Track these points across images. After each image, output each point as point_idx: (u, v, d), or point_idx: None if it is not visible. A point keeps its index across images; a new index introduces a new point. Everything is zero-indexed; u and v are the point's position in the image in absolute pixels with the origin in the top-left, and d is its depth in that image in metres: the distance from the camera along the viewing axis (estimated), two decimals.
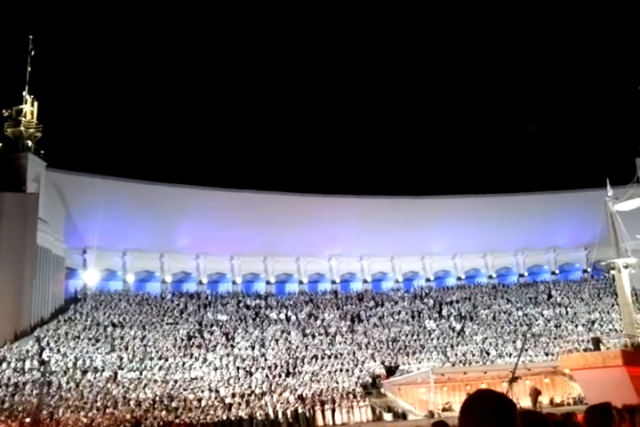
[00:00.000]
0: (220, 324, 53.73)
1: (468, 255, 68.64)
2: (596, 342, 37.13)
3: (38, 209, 50.42)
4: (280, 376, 45.31)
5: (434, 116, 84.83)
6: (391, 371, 47.41)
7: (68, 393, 39.19)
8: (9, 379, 40.21)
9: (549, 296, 62.42)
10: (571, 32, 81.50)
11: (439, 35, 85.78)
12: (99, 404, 38.13)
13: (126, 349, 46.83)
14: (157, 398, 39.90)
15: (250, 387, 43.08)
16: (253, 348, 49.84)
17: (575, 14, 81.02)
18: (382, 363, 48.66)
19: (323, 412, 40.52)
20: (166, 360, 46.20)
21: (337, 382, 44.48)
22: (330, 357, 49.15)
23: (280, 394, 41.92)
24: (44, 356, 43.78)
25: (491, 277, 68.82)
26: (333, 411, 40.69)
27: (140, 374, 43.75)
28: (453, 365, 48.12)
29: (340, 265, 66.76)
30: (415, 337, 53.54)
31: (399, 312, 58.67)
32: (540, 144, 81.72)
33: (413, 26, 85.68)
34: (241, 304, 58.21)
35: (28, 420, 34.41)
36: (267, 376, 45.11)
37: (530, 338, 48.38)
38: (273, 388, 43.08)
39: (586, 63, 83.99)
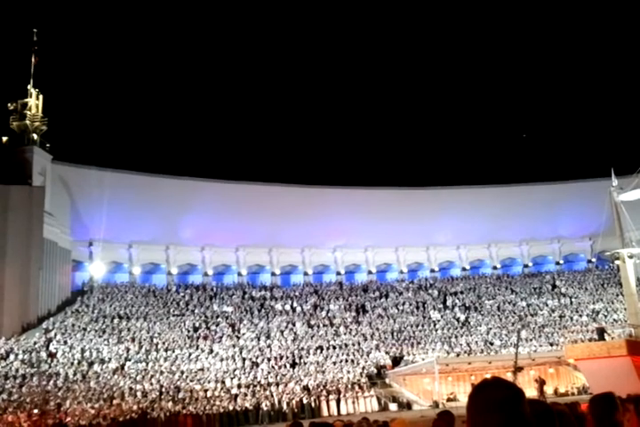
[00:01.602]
0: (226, 315, 53.95)
1: (473, 246, 68.63)
2: (601, 332, 37.14)
3: (44, 202, 50.60)
4: (285, 367, 45.54)
5: (437, 107, 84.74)
6: (396, 361, 47.60)
7: (75, 385, 39.44)
8: (17, 371, 40.48)
9: (554, 286, 62.43)
10: (573, 22, 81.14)
11: (443, 27, 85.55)
12: (105, 395, 38.35)
13: (133, 340, 47.08)
14: (164, 389, 40.12)
15: (255, 378, 43.31)
16: (259, 339, 50.05)
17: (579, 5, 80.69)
18: (387, 353, 48.87)
19: (328, 402, 40.73)
20: (172, 351, 46.43)
21: (342, 373, 44.69)
22: (335, 347, 49.33)
23: (285, 385, 42.14)
24: (52, 348, 44.07)
25: (495, 267, 68.84)
26: (339, 401, 40.90)
27: (147, 365, 44.00)
28: (458, 355, 48.28)
29: (345, 256, 66.83)
30: (420, 328, 53.69)
31: (404, 303, 58.78)
32: (544, 134, 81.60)
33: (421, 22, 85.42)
34: (246, 296, 58.41)
35: (36, 411, 34.65)
36: (272, 367, 45.33)
37: (522, 329, 48.39)
38: (278, 378, 43.31)
39: (592, 54, 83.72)
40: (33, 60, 53.87)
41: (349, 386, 42.26)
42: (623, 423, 5.13)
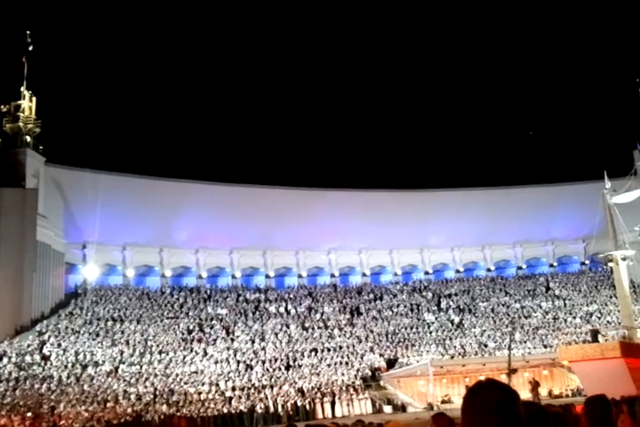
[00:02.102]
0: (220, 318, 53.86)
1: (467, 248, 68.70)
2: (595, 334, 37.25)
3: (38, 204, 50.45)
4: (280, 369, 45.48)
5: (432, 109, 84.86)
6: (390, 364, 47.59)
7: (68, 388, 39.32)
8: (10, 374, 40.33)
9: (548, 288, 62.54)
10: (570, 25, 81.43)
11: (443, 27, 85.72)
12: (99, 398, 38.26)
13: (127, 343, 46.95)
14: (158, 392, 40.05)
15: (250, 380, 43.25)
16: (253, 341, 49.99)
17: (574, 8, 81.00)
18: (381, 356, 48.84)
19: (322, 404, 40.70)
20: (166, 354, 46.33)
21: (337, 375, 44.65)
22: (329, 350, 49.30)
23: (280, 387, 42.09)
24: (45, 351, 43.92)
25: (489, 269, 68.90)
26: (333, 404, 40.88)
27: (141, 368, 43.89)
28: (452, 357, 48.29)
29: (339, 258, 66.81)
30: (414, 330, 53.70)
31: (398, 305, 58.79)
32: (538, 137, 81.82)
33: (422, 25, 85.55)
34: (240, 298, 58.31)
35: (29, 414, 34.53)
36: (266, 369, 45.28)
37: (513, 332, 48.46)
38: (273, 381, 43.26)
39: (585, 58, 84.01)
40: (23, 60, 53.68)
41: (344, 388, 42.23)
42: (617, 425, 5.15)
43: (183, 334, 50.07)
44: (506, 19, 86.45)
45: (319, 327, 53.62)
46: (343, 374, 44.84)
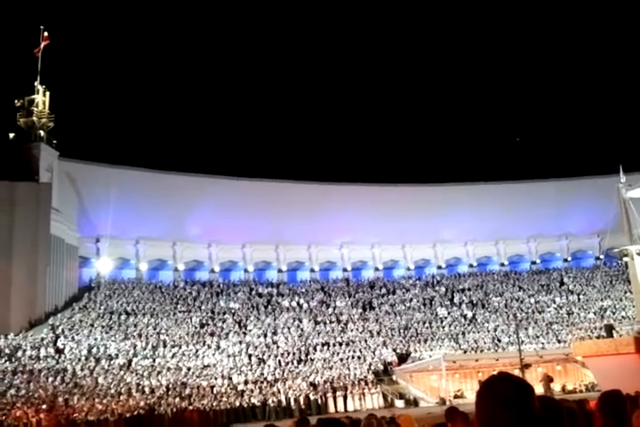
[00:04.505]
0: (233, 312, 54.01)
1: (480, 243, 68.43)
2: (609, 329, 37.03)
3: (51, 198, 50.71)
4: (292, 363, 45.54)
5: (443, 102, 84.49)
6: (403, 358, 47.55)
7: (82, 380, 39.57)
8: (24, 366, 40.63)
9: (562, 283, 62.25)
10: (578, 22, 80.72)
11: (445, 23, 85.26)
12: (113, 391, 38.44)
13: (140, 336, 47.18)
14: (170, 386, 40.17)
15: (262, 374, 43.34)
16: (265, 335, 50.08)
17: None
18: (394, 350, 48.81)
19: (335, 399, 40.71)
20: (179, 348, 46.51)
21: (349, 370, 44.66)
22: (341, 344, 49.33)
23: (292, 381, 42.16)
24: (59, 344, 44.23)
25: (503, 264, 68.62)
26: (345, 398, 40.86)
27: (154, 361, 44.07)
28: (465, 352, 48.18)
29: (352, 253, 66.76)
30: (427, 324, 53.61)
31: (411, 300, 58.73)
32: (552, 130, 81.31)
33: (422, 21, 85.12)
34: (253, 292, 58.45)
35: (44, 406, 34.78)
36: (279, 363, 45.35)
37: (518, 328, 48.18)
38: (285, 375, 43.33)
39: (600, 50, 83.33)
40: (37, 51, 53.79)
41: (356, 383, 42.23)
42: (632, 420, 5.08)
43: (196, 327, 50.25)
44: (509, 12, 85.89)
45: (331, 322, 53.64)
46: (355, 369, 44.84)
